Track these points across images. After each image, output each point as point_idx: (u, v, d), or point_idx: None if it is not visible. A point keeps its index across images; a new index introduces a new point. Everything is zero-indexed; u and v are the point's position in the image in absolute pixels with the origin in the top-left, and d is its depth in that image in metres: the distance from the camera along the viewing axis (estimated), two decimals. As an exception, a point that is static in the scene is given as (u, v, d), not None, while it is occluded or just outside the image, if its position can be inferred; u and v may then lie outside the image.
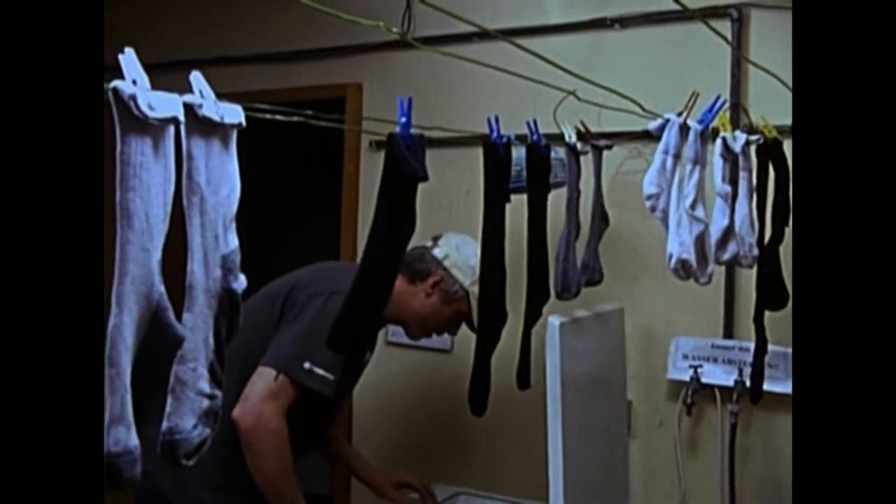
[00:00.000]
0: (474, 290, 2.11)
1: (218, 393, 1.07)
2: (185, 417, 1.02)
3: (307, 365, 1.94)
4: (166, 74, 1.13)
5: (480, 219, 1.65)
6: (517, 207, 1.80)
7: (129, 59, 0.95)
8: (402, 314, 2.18)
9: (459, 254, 2.17)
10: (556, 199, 2.01)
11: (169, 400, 1.03)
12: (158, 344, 0.96)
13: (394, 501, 2.40)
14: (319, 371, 1.94)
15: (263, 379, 1.92)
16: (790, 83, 1.92)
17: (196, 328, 1.04)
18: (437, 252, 2.19)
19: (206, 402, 1.05)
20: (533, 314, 1.87)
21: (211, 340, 1.05)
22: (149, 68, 0.96)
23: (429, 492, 2.44)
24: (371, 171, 2.93)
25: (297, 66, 3.11)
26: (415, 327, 2.23)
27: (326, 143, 3.10)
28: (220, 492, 2.01)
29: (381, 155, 2.99)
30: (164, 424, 1.02)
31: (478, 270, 1.98)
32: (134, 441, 0.92)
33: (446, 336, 2.78)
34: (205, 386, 1.05)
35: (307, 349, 1.95)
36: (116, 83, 0.92)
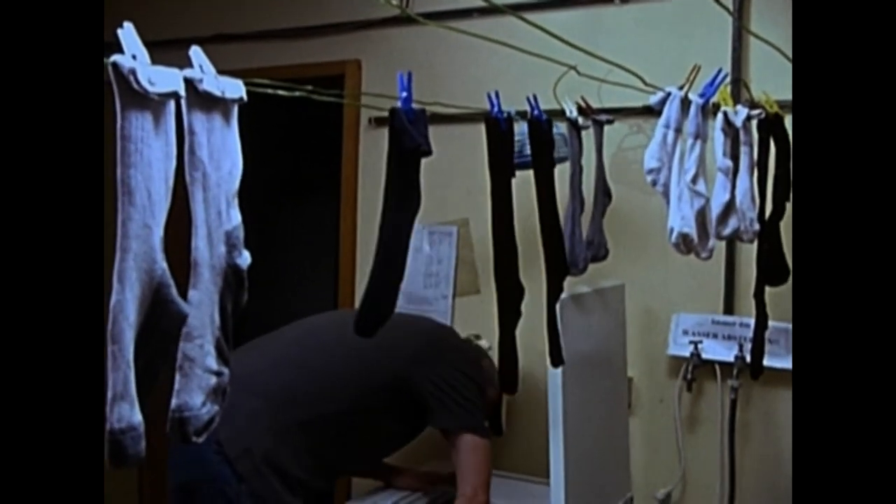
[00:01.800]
0: None
1: (225, 370, 1.06)
2: (194, 395, 1.02)
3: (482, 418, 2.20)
4: (164, 52, 1.12)
5: (482, 194, 1.65)
6: (519, 183, 1.79)
7: (128, 33, 0.94)
8: None
9: None
10: (558, 175, 2.01)
11: (177, 377, 1.02)
12: (162, 321, 0.95)
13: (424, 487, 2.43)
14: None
15: (484, 451, 2.15)
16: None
17: (202, 305, 1.03)
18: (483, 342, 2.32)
19: (213, 379, 1.04)
20: (555, 290, 1.87)
21: (217, 317, 1.05)
22: (146, 46, 0.95)
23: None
24: (371, 148, 2.91)
25: (295, 44, 3.09)
26: None
27: (326, 120, 3.09)
28: (276, 475, 2.03)
29: (381, 132, 2.98)
30: (173, 402, 1.01)
31: None
32: (137, 417, 0.92)
33: (447, 311, 2.81)
34: (212, 363, 1.04)
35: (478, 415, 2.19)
36: (116, 58, 0.91)
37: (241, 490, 1.96)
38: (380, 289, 1.37)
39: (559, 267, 1.89)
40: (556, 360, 1.90)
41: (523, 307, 1.77)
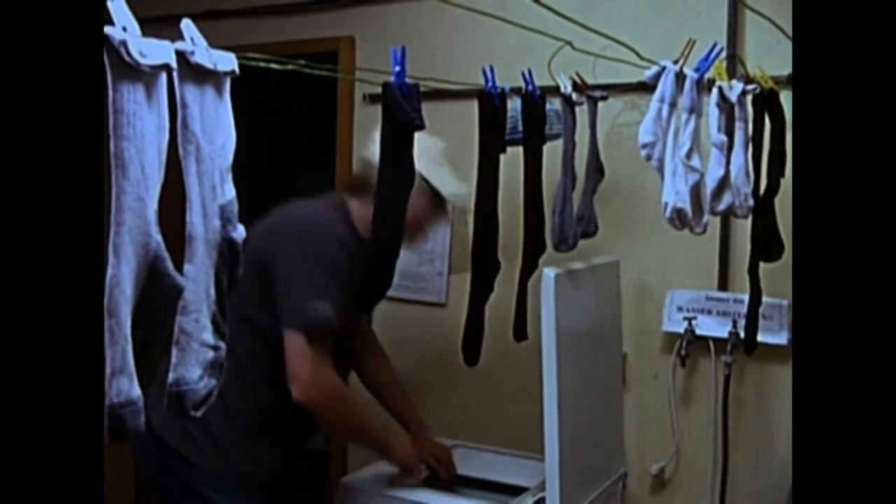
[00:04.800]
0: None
1: (221, 344, 1.06)
2: (191, 369, 1.02)
3: (316, 308, 1.84)
4: (155, 28, 1.11)
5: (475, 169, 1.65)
6: (513, 159, 1.79)
7: (118, 5, 0.94)
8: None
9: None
10: (552, 151, 2.00)
11: (174, 352, 1.02)
12: (158, 294, 0.95)
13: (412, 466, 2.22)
14: (325, 310, 1.85)
15: (298, 347, 1.84)
16: (788, 31, 1.90)
17: (197, 279, 1.03)
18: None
19: (210, 353, 1.05)
20: (529, 266, 1.88)
21: (212, 291, 1.05)
22: (138, 22, 0.95)
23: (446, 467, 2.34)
24: (365, 124, 2.90)
25: (288, 20, 3.06)
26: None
27: (320, 97, 3.07)
28: (218, 454, 2.00)
29: (375, 109, 2.96)
30: (171, 376, 1.02)
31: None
32: (136, 391, 0.92)
33: (441, 288, 2.80)
34: (208, 337, 1.05)
35: (311, 294, 1.85)
36: (106, 29, 0.91)
37: (189, 471, 1.96)
38: (377, 262, 1.38)
39: (536, 243, 1.90)
40: (520, 334, 1.91)
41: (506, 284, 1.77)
